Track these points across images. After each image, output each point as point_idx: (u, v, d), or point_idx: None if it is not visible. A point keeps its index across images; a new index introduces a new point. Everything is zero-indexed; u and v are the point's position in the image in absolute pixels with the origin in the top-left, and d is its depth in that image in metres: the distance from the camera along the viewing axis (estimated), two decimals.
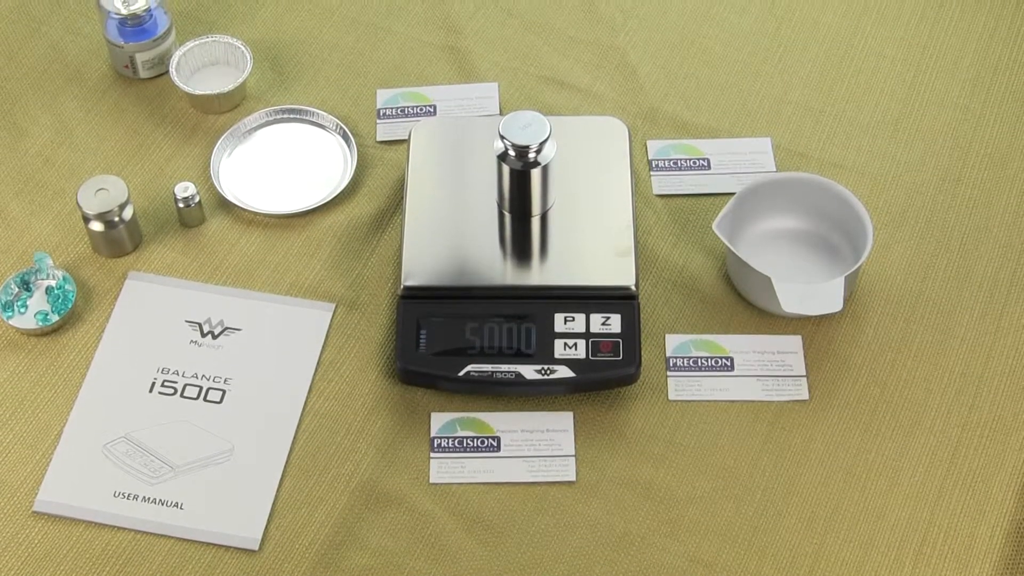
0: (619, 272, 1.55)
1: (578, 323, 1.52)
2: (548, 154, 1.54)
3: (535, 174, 1.54)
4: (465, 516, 1.46)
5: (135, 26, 1.75)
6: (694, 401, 1.53)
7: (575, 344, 1.51)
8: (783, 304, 1.51)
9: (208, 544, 1.44)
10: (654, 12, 1.85)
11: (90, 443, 1.50)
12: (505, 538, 1.45)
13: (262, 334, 1.57)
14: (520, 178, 1.55)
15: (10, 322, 1.57)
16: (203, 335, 1.57)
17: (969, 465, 1.48)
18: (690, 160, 1.71)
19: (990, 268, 1.62)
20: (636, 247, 1.57)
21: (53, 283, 1.60)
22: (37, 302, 1.59)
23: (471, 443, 1.50)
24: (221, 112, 1.76)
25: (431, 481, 1.48)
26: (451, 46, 1.82)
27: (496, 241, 1.59)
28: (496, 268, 1.57)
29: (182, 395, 1.53)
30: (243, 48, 1.77)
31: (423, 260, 1.57)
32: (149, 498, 1.46)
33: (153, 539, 1.45)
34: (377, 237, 1.65)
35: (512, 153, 1.53)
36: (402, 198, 1.65)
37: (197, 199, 1.64)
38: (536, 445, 1.50)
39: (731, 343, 1.56)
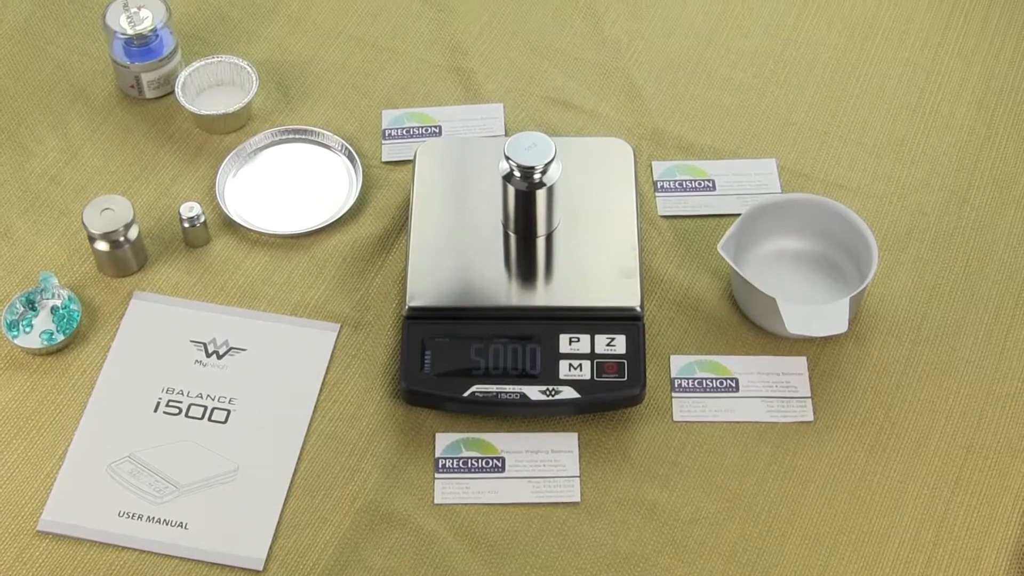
0: (624, 293, 1.55)
1: (583, 344, 1.52)
2: (553, 175, 1.54)
3: (540, 195, 1.54)
4: (469, 537, 1.46)
5: (141, 46, 1.76)
6: (699, 422, 1.53)
7: (580, 365, 1.51)
8: (788, 325, 1.51)
9: (212, 564, 1.44)
10: (659, 33, 1.86)
11: (95, 463, 1.50)
12: (509, 559, 1.44)
13: (267, 354, 1.57)
14: (525, 199, 1.55)
15: (15, 341, 1.57)
16: (208, 355, 1.57)
17: (974, 487, 1.48)
18: (695, 181, 1.71)
19: (995, 289, 1.62)
20: (641, 268, 1.57)
21: (58, 303, 1.60)
22: (42, 322, 1.59)
23: (476, 464, 1.50)
24: (226, 132, 1.76)
25: (435, 502, 1.48)
26: (457, 67, 1.82)
27: (501, 262, 1.59)
28: (501, 289, 1.57)
29: (187, 415, 1.53)
30: (249, 68, 1.77)
31: (428, 280, 1.57)
32: (154, 518, 1.46)
33: (158, 559, 1.44)
34: (382, 257, 1.65)
35: (517, 174, 1.53)
36: (407, 218, 1.65)
37: (202, 219, 1.64)
38: (541, 466, 1.50)
39: (736, 364, 1.56)
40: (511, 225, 1.59)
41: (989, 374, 1.55)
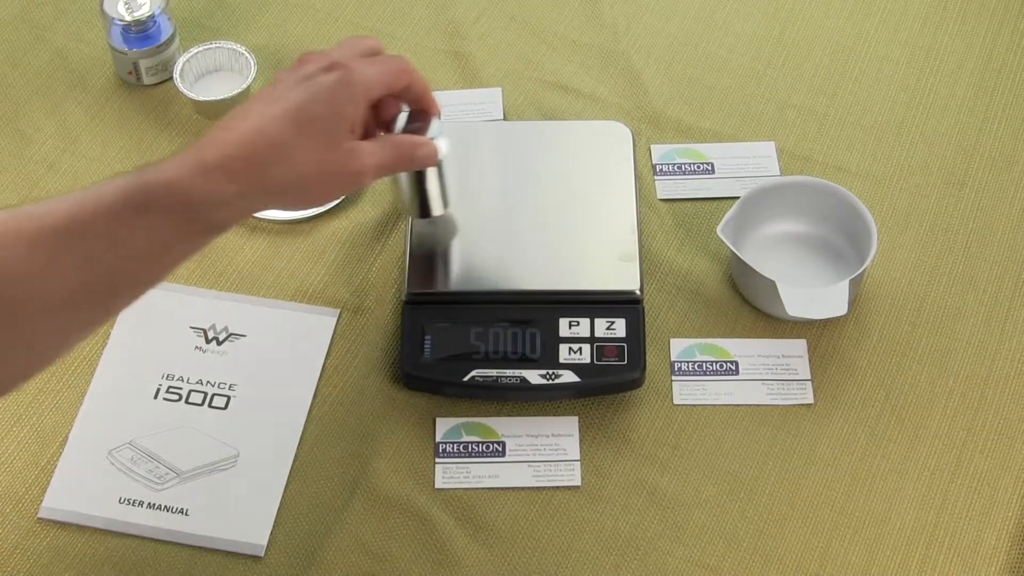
0: (624, 277, 1.55)
1: (583, 328, 1.52)
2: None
3: (430, 173, 1.46)
4: (470, 521, 1.46)
5: (139, 32, 1.75)
6: (699, 405, 1.53)
7: (580, 349, 1.51)
8: (788, 308, 1.51)
9: (213, 550, 1.44)
10: (657, 17, 1.85)
11: (95, 449, 1.50)
12: (510, 543, 1.45)
13: (267, 340, 1.57)
14: (415, 177, 1.46)
15: None
16: (208, 341, 1.57)
17: (975, 468, 1.48)
18: (694, 164, 1.71)
19: (995, 271, 1.62)
20: (640, 252, 1.57)
21: None
22: None
23: (476, 448, 1.50)
24: None
25: (436, 486, 1.48)
26: (454, 51, 1.82)
27: (500, 246, 1.59)
28: (500, 273, 1.57)
29: (187, 401, 1.53)
30: (247, 54, 1.77)
31: (427, 265, 1.56)
32: (154, 504, 1.46)
33: (158, 545, 1.45)
34: (381, 242, 1.65)
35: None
36: None
37: None
38: (541, 450, 1.50)
39: (736, 347, 1.56)
40: (406, 206, 1.51)
41: (989, 355, 1.55)
